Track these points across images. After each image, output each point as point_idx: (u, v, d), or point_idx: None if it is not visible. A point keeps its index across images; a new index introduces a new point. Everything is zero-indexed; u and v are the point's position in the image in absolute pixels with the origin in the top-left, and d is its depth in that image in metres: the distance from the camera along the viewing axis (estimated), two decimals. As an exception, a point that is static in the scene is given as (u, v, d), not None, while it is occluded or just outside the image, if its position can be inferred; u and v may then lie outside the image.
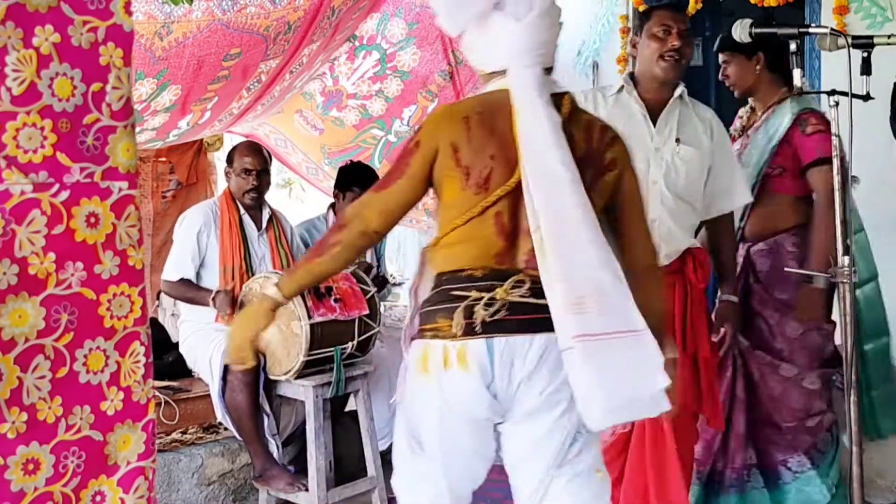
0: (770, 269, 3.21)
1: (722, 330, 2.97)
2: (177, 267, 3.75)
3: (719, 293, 3.03)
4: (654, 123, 2.85)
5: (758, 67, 3.29)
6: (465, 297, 1.90)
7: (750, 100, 3.45)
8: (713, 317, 2.99)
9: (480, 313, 1.89)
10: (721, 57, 3.38)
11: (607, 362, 1.80)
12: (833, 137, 2.54)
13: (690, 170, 2.84)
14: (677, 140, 2.84)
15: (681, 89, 2.87)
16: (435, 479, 1.96)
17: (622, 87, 2.89)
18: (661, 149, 2.83)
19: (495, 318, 1.89)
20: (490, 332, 1.88)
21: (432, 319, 1.95)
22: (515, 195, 1.92)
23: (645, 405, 1.86)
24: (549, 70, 2.03)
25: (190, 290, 3.74)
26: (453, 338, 1.90)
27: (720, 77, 3.42)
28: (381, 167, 4.85)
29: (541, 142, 1.89)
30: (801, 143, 3.13)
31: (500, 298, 1.89)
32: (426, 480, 1.97)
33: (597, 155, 1.98)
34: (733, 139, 3.36)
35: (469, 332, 1.89)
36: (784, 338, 3.16)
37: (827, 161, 2.80)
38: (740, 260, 3.24)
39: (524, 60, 1.96)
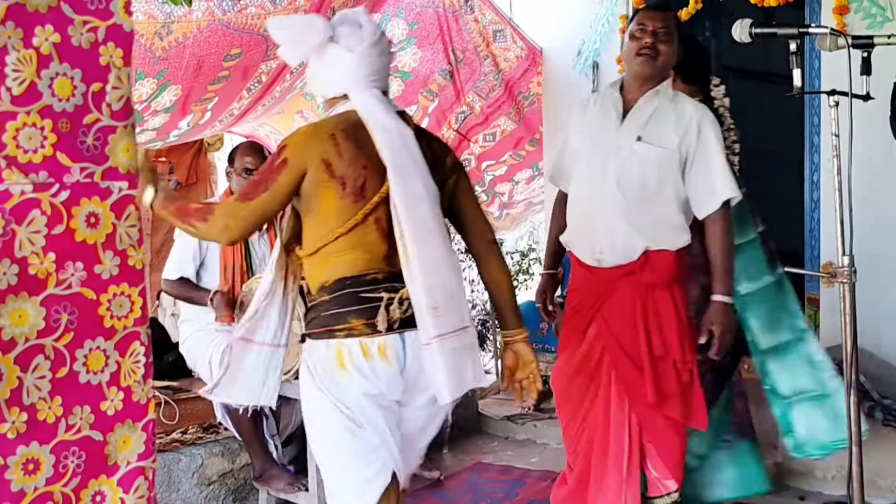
0: None
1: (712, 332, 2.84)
2: (177, 266, 3.75)
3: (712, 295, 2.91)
4: None
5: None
6: (378, 299, 2.16)
7: None
8: (703, 319, 2.88)
9: (396, 312, 2.16)
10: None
11: (451, 354, 2.15)
12: (833, 137, 2.54)
13: (648, 169, 2.82)
14: (638, 138, 2.84)
15: (660, 86, 2.86)
16: (385, 441, 2.20)
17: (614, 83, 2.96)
18: (623, 146, 2.84)
19: (406, 315, 2.16)
20: (403, 328, 2.17)
21: (344, 320, 2.17)
22: (387, 202, 2.15)
23: (471, 382, 2.22)
24: (385, 93, 2.26)
25: (189, 290, 3.74)
26: (372, 334, 2.15)
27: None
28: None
29: (400, 156, 2.14)
30: None
31: (406, 297, 2.16)
32: (378, 450, 2.20)
33: (441, 161, 2.26)
34: None
35: (389, 328, 2.15)
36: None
37: None
38: None
39: (361, 86, 2.20)
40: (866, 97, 2.52)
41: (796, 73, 2.55)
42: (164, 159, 5.17)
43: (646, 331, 2.82)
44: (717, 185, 2.88)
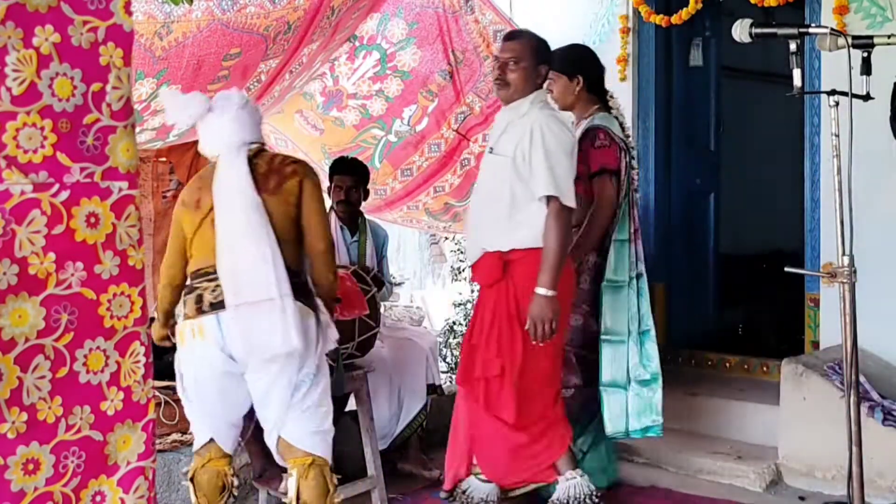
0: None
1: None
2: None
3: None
4: None
5: (577, 88, 3.69)
6: (199, 287, 2.79)
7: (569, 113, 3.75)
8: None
9: (207, 297, 2.76)
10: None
11: (246, 321, 2.70)
12: (833, 137, 2.53)
13: (491, 177, 3.24)
14: (490, 150, 3.28)
15: (517, 102, 3.23)
16: (205, 415, 2.91)
17: None
18: (483, 159, 3.34)
19: (219, 299, 2.73)
20: (216, 310, 2.73)
21: (182, 307, 2.87)
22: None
23: (279, 346, 2.70)
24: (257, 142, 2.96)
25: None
26: (193, 317, 2.78)
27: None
28: (381, 167, 4.85)
29: (225, 181, 2.82)
30: (590, 155, 3.56)
31: (219, 285, 2.73)
32: (201, 418, 2.93)
33: (278, 170, 2.88)
34: None
35: (200, 311, 2.76)
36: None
37: (605, 172, 3.54)
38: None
39: (233, 142, 2.86)
40: (866, 97, 2.53)
41: (796, 73, 2.55)
42: (164, 159, 5.16)
43: (473, 320, 3.34)
44: (535, 182, 3.13)
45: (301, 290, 2.83)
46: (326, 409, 2.92)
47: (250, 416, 2.97)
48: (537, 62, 3.24)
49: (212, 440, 2.94)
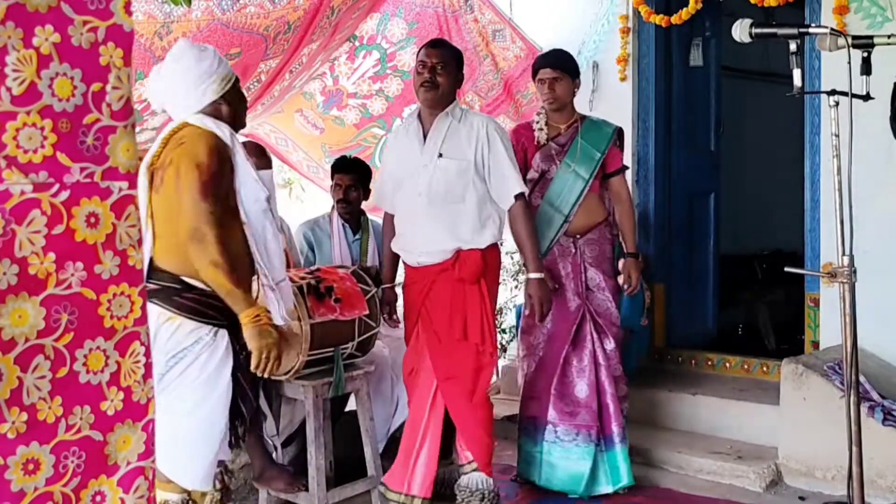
0: (599, 254, 3.86)
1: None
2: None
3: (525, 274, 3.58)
4: None
5: (575, 89, 3.90)
6: None
7: (541, 115, 3.90)
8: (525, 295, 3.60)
9: None
10: (550, 73, 3.82)
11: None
12: (833, 137, 2.54)
13: (450, 178, 3.37)
14: (440, 155, 3.39)
15: (448, 108, 3.43)
16: None
17: (412, 113, 3.56)
18: (428, 164, 3.39)
19: None
20: None
21: None
22: None
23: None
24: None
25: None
26: None
27: (546, 90, 3.83)
28: (381, 166, 4.85)
29: None
30: (612, 155, 3.87)
31: None
32: None
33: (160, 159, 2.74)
34: (537, 146, 3.85)
35: None
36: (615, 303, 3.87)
37: (624, 169, 3.96)
38: (573, 250, 3.84)
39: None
40: (866, 97, 2.52)
41: (796, 73, 2.55)
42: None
43: (454, 318, 3.37)
44: (510, 184, 3.43)
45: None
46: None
47: (243, 417, 2.95)
48: (458, 70, 3.48)
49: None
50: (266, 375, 2.79)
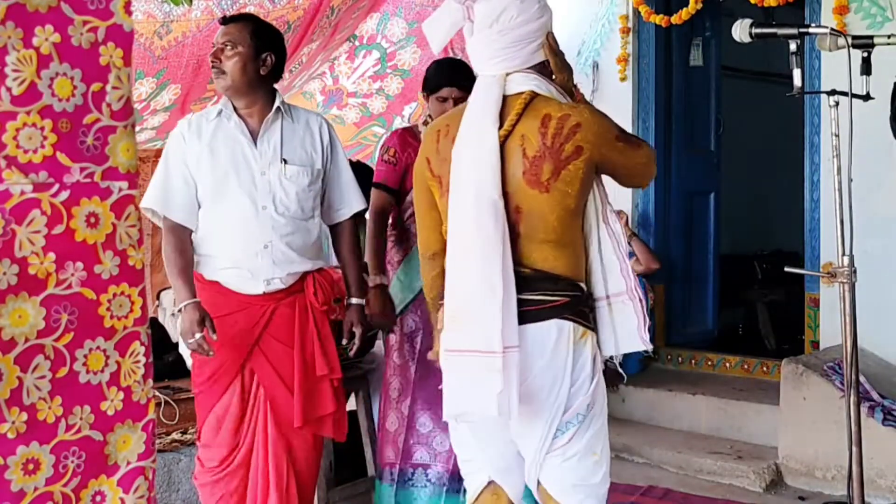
0: None
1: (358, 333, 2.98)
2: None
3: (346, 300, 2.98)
4: (257, 145, 2.74)
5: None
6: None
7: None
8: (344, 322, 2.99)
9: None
10: (457, 93, 3.25)
11: (457, 374, 2.06)
12: (833, 137, 2.53)
13: (300, 189, 2.76)
14: (283, 161, 2.75)
15: (277, 102, 2.76)
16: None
17: (221, 110, 2.77)
18: (267, 172, 2.73)
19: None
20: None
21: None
22: None
23: (479, 410, 2.04)
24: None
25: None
26: None
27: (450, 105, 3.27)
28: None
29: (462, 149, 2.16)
30: None
31: None
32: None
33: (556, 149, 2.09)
34: None
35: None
36: None
37: None
38: None
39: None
40: (866, 97, 2.52)
41: (796, 73, 2.55)
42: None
43: (306, 352, 2.80)
44: (351, 198, 2.92)
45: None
46: (598, 459, 2.19)
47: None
48: (261, 49, 2.72)
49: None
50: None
